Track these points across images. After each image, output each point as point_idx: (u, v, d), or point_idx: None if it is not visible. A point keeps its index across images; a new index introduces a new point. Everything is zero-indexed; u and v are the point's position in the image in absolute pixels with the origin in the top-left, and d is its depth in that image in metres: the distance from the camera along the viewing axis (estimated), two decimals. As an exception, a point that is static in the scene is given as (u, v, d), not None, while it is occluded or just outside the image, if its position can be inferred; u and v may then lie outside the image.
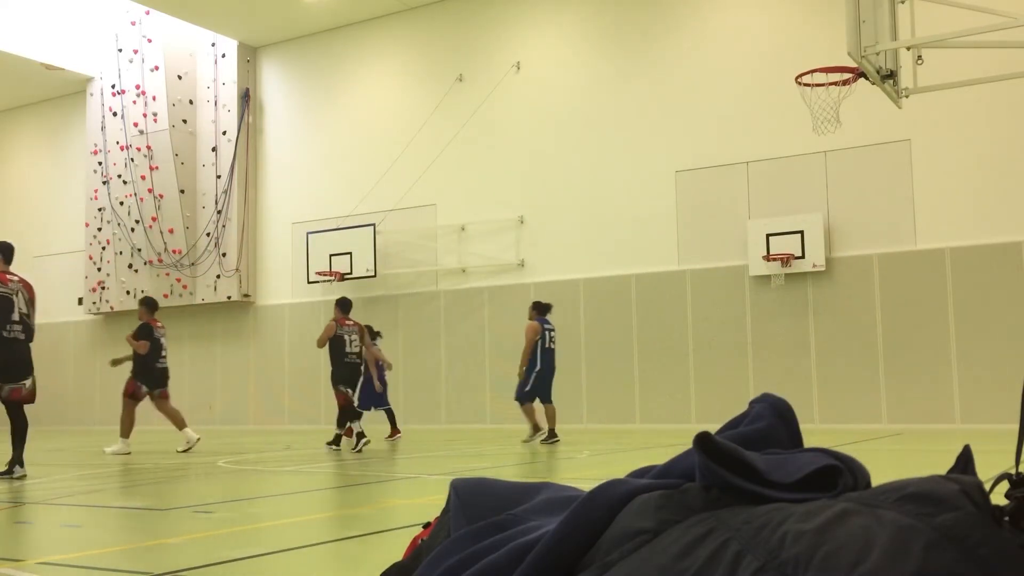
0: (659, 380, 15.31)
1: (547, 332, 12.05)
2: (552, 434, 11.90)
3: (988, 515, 1.10)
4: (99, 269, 21.15)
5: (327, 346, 11.84)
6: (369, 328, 13.17)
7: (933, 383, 13.42)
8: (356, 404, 11.87)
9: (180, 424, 11.98)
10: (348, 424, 11.62)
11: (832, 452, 1.34)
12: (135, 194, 20.60)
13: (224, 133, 19.98)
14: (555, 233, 16.47)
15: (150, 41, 20.53)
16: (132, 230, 20.65)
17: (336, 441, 11.67)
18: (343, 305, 12.31)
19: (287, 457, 10.77)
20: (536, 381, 11.94)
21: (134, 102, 20.70)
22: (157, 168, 20.28)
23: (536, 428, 12.03)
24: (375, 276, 17.71)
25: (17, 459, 8.39)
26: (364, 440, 11.21)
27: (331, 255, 17.94)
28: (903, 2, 9.11)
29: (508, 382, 16.61)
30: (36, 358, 8.66)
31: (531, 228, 16.77)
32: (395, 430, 13.26)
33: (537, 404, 12.20)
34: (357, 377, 11.93)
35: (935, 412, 13.36)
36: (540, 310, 12.29)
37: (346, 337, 11.90)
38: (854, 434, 12.31)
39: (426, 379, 17.44)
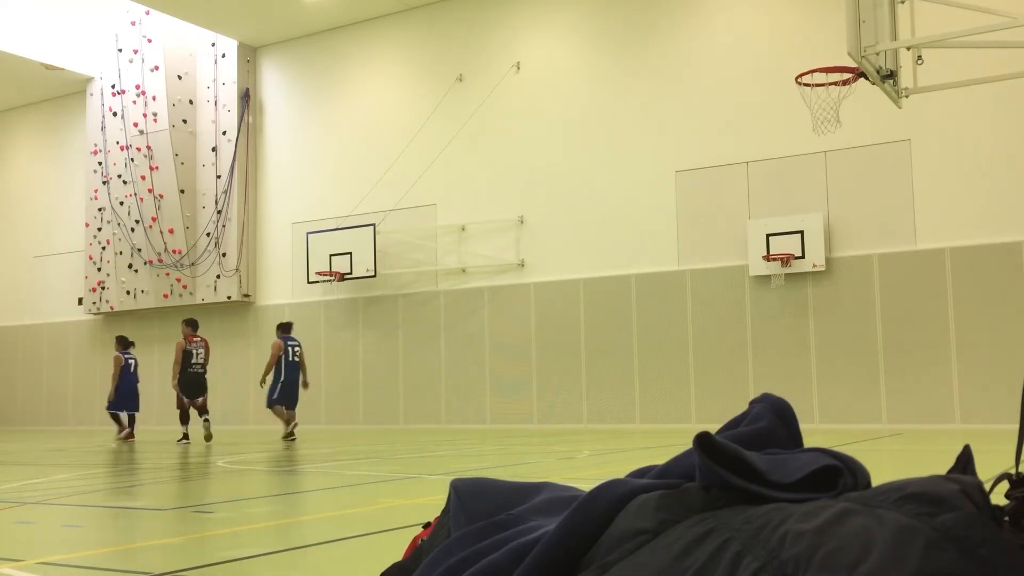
0: (659, 380, 15.31)
1: (290, 348, 14.07)
2: (290, 435, 13.71)
3: (988, 515, 1.10)
4: (99, 269, 21.16)
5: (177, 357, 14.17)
6: (123, 338, 15.72)
7: (933, 383, 13.42)
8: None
9: None
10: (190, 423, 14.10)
11: (832, 452, 1.34)
12: (135, 194, 20.60)
13: (224, 133, 19.98)
14: (555, 233, 16.48)
15: (150, 41, 20.53)
16: (132, 230, 20.65)
17: (185, 437, 13.91)
18: (191, 324, 14.45)
19: (287, 457, 10.76)
20: (282, 390, 13.87)
21: (134, 102, 20.70)
22: (157, 168, 20.28)
23: (289, 422, 13.80)
24: (375, 276, 17.71)
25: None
26: (186, 441, 13.73)
27: (331, 255, 17.94)
28: (903, 2, 9.11)
29: (508, 382, 16.66)
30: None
31: (531, 228, 16.77)
32: (130, 433, 15.29)
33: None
34: (202, 385, 14.18)
35: (935, 412, 13.36)
36: (283, 329, 14.34)
37: (193, 351, 14.15)
38: (854, 434, 12.31)
39: (426, 379, 17.44)
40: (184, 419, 14.02)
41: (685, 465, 1.42)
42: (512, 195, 16.93)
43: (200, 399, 14.04)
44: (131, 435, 15.25)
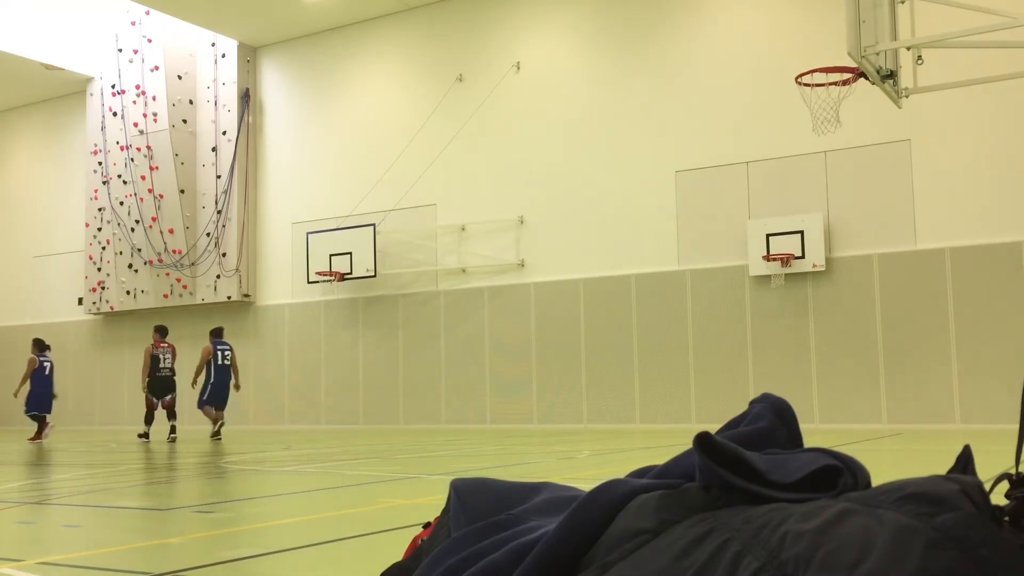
0: (659, 380, 15.31)
1: (219, 352, 15.14)
2: (216, 434, 14.73)
3: (988, 515, 1.10)
4: (99, 269, 21.16)
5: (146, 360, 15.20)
6: (40, 341, 16.60)
7: (933, 383, 13.42)
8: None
9: None
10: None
11: (832, 452, 1.34)
12: (135, 194, 20.60)
13: (224, 133, 19.98)
14: (555, 233, 16.48)
15: (150, 41, 20.54)
16: (132, 230, 20.65)
17: (145, 435, 14.84)
18: (160, 330, 15.46)
19: (287, 457, 10.76)
20: (211, 391, 15.00)
21: (134, 102, 20.70)
22: (157, 168, 20.28)
23: (216, 421, 14.87)
24: (375, 276, 17.71)
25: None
26: (146, 440, 14.70)
27: (331, 255, 17.94)
28: (903, 2, 9.12)
29: (508, 382, 16.66)
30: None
31: (531, 228, 16.77)
32: (39, 434, 15.73)
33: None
34: (168, 387, 15.07)
35: (935, 412, 13.36)
36: (214, 333, 15.44)
37: (160, 356, 15.14)
38: (854, 434, 12.31)
39: (426, 379, 17.44)
40: (149, 419, 15.06)
41: (685, 465, 1.42)
42: (512, 195, 16.93)
43: (168, 398, 15.08)
44: (40, 436, 15.67)
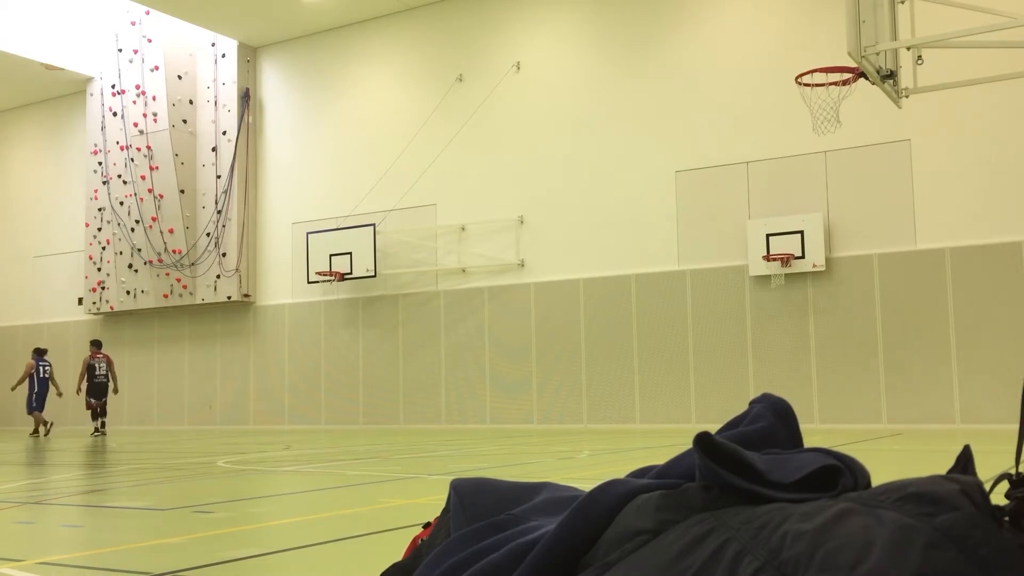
0: (659, 380, 15.31)
1: (41, 367, 18.45)
2: (38, 432, 17.82)
3: (988, 515, 1.10)
4: (99, 269, 21.16)
5: (84, 368, 18.08)
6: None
7: (933, 383, 13.42)
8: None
9: None
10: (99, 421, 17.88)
11: (832, 452, 1.34)
12: (135, 194, 20.60)
13: (224, 133, 19.98)
14: (555, 233, 16.48)
15: (150, 41, 20.54)
16: (132, 230, 20.65)
17: (98, 431, 17.51)
18: (96, 344, 18.34)
19: (287, 457, 10.76)
20: (36, 399, 18.18)
21: (134, 102, 20.70)
22: (157, 168, 20.28)
23: (44, 425, 17.96)
24: (375, 276, 17.71)
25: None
26: (100, 433, 17.40)
27: (331, 255, 17.94)
28: (903, 2, 9.12)
29: (508, 382, 16.66)
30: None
31: (531, 228, 16.77)
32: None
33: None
34: (103, 390, 17.93)
35: (935, 412, 13.36)
36: (37, 353, 18.68)
37: (96, 365, 18.00)
38: (854, 434, 12.31)
39: (426, 379, 17.45)
40: (95, 416, 17.74)
41: (685, 465, 1.42)
42: (512, 195, 16.93)
43: (103, 400, 17.85)
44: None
